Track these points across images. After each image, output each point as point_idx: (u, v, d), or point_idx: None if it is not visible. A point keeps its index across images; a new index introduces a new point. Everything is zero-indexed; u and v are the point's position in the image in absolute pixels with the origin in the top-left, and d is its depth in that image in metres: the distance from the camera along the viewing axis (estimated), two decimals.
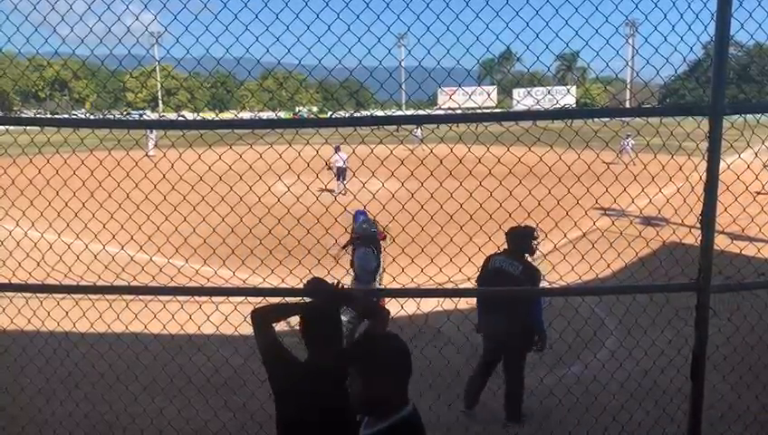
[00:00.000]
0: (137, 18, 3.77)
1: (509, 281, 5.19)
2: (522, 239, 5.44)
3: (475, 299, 5.67)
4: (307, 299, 3.10)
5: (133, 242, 5.25)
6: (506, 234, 5.59)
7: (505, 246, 5.52)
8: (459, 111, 4.26)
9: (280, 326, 2.99)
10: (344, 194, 18.50)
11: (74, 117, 3.60)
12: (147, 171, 4.97)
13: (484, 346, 5.51)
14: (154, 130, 25.29)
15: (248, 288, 3.71)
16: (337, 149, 18.57)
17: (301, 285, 3.14)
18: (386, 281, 7.69)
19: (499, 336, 5.27)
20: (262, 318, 2.95)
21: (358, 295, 3.23)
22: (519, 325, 5.20)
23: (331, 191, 18.26)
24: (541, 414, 4.92)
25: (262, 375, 2.83)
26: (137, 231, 4.73)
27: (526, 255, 5.45)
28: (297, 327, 2.89)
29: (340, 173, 19.83)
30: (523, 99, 50.49)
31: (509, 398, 5.37)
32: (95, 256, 4.81)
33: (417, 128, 26.62)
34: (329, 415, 2.70)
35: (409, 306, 6.17)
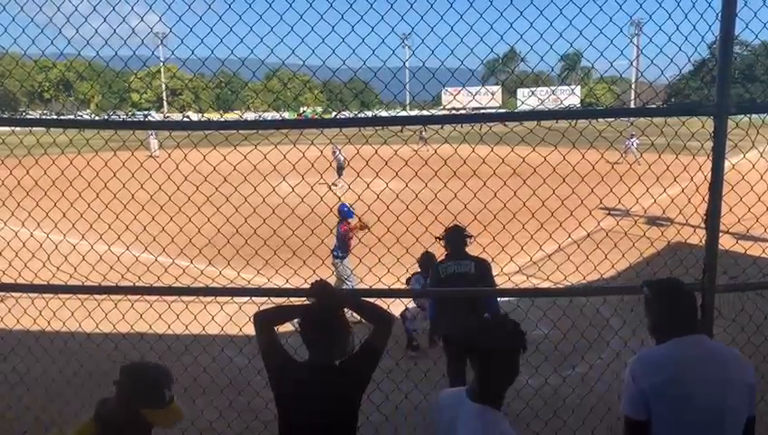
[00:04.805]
0: (141, 19, 3.79)
1: (469, 281, 5.20)
2: (462, 238, 5.49)
3: None
4: (311, 301, 3.10)
5: (138, 242, 5.26)
6: (444, 237, 5.68)
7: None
8: (463, 112, 4.26)
9: (285, 327, 2.99)
10: (340, 187, 18.51)
11: (79, 118, 3.62)
12: (152, 172, 4.99)
13: (451, 350, 5.43)
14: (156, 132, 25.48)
15: (253, 288, 3.72)
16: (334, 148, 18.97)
17: (305, 286, 3.14)
18: (389, 281, 7.72)
19: None
20: (264, 321, 2.94)
21: (362, 300, 3.20)
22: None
23: (331, 185, 18.29)
24: (545, 414, 4.91)
25: (266, 375, 2.83)
26: (142, 232, 4.74)
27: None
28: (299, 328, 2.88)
29: (340, 168, 20.07)
30: (527, 99, 50.37)
31: None
32: (100, 257, 4.82)
33: (423, 129, 26.74)
34: (331, 418, 2.69)
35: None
